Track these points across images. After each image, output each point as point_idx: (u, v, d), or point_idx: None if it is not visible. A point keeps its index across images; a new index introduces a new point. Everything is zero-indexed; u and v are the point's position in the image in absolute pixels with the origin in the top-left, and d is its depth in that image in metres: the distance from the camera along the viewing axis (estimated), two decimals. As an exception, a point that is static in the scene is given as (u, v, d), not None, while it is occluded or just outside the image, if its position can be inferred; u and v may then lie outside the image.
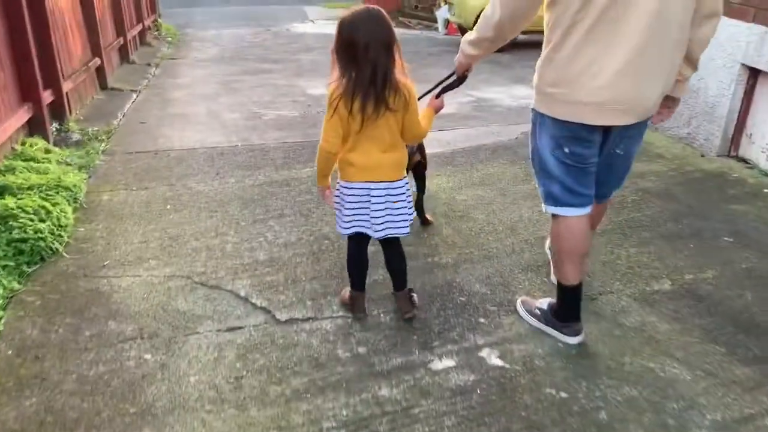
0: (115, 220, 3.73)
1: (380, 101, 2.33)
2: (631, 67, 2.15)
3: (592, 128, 2.28)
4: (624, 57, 2.13)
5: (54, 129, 5.16)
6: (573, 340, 2.62)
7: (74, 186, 3.95)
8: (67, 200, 3.77)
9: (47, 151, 4.67)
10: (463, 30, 11.27)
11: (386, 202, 2.51)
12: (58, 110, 5.43)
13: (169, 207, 3.91)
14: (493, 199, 4.08)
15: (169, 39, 12.03)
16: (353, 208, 2.53)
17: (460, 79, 2.82)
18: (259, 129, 5.72)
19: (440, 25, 12.92)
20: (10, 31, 4.61)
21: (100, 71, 7.27)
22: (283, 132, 5.58)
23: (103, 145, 5.13)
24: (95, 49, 7.16)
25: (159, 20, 12.88)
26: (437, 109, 2.73)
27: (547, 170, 2.45)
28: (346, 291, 2.87)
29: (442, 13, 12.77)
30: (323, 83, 7.93)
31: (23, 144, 4.58)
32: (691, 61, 2.37)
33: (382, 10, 2.38)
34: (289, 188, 4.23)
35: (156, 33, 12.21)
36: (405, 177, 2.57)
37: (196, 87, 7.70)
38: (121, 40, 8.87)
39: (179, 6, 18.20)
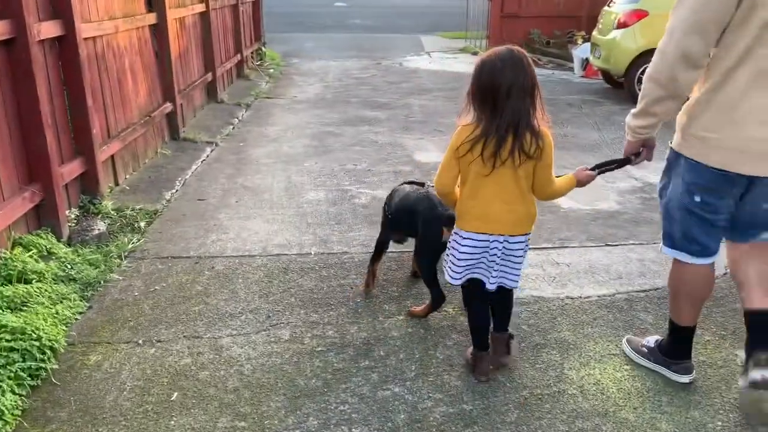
0: (83, 423, 2.30)
1: (516, 147, 2.21)
2: None
3: (735, 179, 2.14)
4: None
5: (73, 215, 3.88)
6: (683, 379, 2.53)
7: (43, 345, 2.57)
8: (18, 380, 2.39)
9: (48, 254, 3.38)
10: (607, 76, 9.38)
11: (503, 256, 2.39)
12: (89, 184, 4.18)
13: (175, 397, 2.44)
14: (724, 437, 2.29)
15: (271, 70, 10.98)
16: (467, 259, 2.40)
17: (623, 162, 2.49)
18: (345, 222, 4.21)
19: (576, 65, 11.05)
20: (14, 92, 3.37)
21: (171, 118, 6.09)
22: (375, 231, 3.98)
23: (134, 240, 3.80)
24: (167, 93, 5.98)
25: (263, 48, 11.87)
26: (582, 182, 2.47)
27: (670, 213, 2.36)
28: (469, 350, 2.64)
29: (580, 52, 10.89)
30: (435, 144, 6.46)
31: (16, 246, 3.30)
32: None
33: (525, 53, 2.25)
34: (371, 364, 2.65)
35: (257, 63, 11.19)
36: (528, 233, 2.40)
37: (283, 142, 6.36)
38: (210, 76, 7.76)
39: (292, 30, 17.44)
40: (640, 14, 8.14)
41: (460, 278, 2.45)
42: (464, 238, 2.38)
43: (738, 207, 2.25)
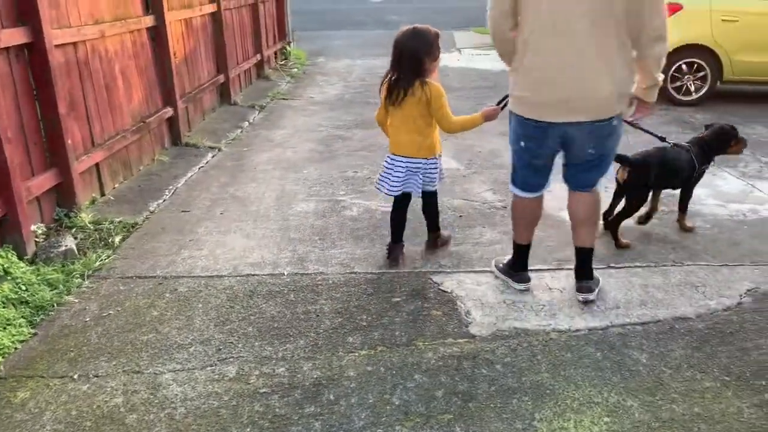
0: (-14, 474, 2.10)
1: (401, 96, 3.14)
2: (572, 70, 2.67)
3: (546, 129, 2.82)
4: (566, 62, 2.67)
5: (41, 231, 3.72)
6: (519, 287, 3.21)
7: (-40, 383, 2.39)
8: (-76, 423, 2.20)
9: (5, 274, 3.22)
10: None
11: (406, 171, 3.30)
12: (65, 196, 4.03)
13: (91, 446, 2.22)
14: None
15: (294, 70, 10.79)
16: (386, 172, 3.36)
17: (504, 97, 3.14)
18: (329, 236, 3.94)
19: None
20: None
21: (172, 123, 5.93)
22: (359, 247, 3.76)
23: (102, 257, 3.62)
24: (167, 97, 5.82)
25: (288, 48, 11.70)
26: (489, 116, 3.24)
27: (513, 159, 3.09)
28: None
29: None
30: (452, 145, 6.09)
31: (-30, 265, 3.15)
32: (647, 73, 2.81)
33: (429, 29, 3.14)
34: (316, 410, 2.38)
35: (281, 63, 11.02)
36: (429, 158, 3.31)
37: (288, 146, 6.14)
38: (222, 78, 7.60)
39: (325, 27, 17.27)
40: (674, 8, 7.62)
41: (395, 191, 3.35)
42: (392, 160, 3.33)
43: (563, 154, 2.95)
